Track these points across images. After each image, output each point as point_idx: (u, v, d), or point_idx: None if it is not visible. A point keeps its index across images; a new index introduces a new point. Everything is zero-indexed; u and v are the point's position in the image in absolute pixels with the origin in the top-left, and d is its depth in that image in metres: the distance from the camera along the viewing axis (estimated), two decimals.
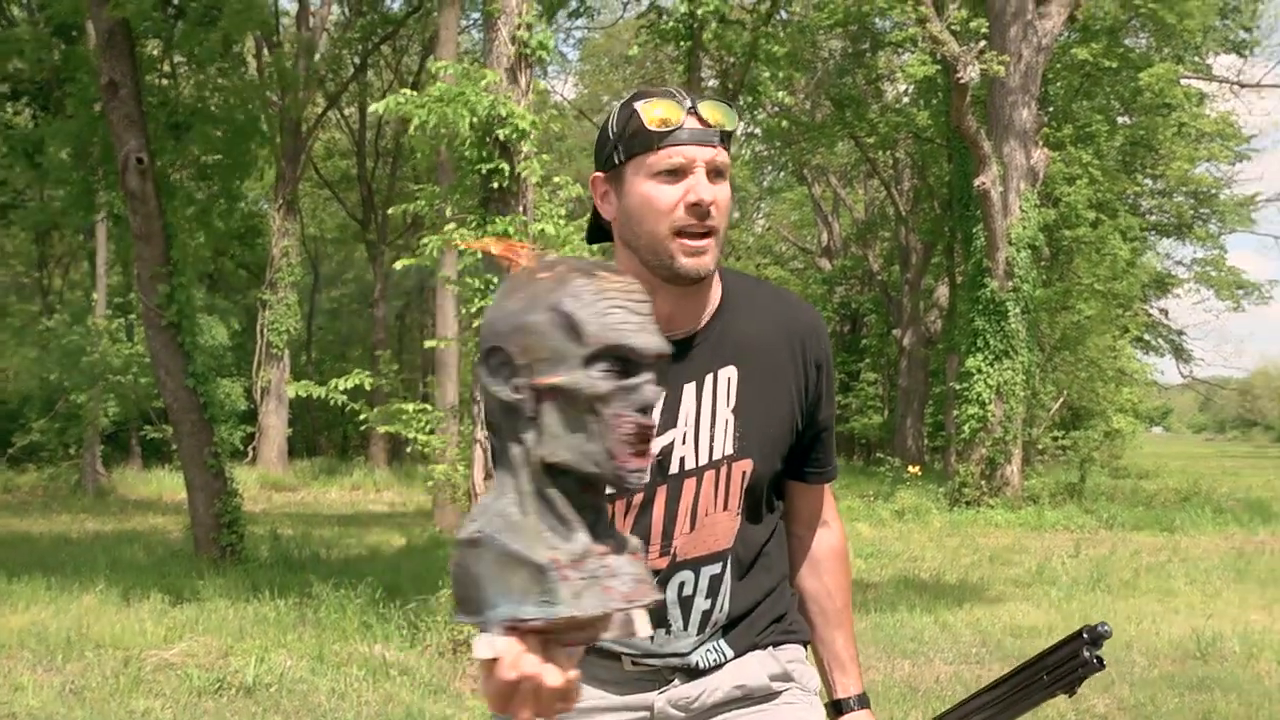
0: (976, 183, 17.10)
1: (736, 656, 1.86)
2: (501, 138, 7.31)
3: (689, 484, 1.79)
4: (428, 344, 11.10)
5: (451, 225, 7.62)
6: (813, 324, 1.90)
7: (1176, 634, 7.80)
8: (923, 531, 14.89)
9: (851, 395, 34.68)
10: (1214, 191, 33.35)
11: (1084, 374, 24.36)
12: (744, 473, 1.81)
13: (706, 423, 1.80)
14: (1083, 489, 18.45)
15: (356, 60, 29.99)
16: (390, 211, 15.26)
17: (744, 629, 1.87)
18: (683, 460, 1.79)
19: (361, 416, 9.89)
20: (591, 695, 1.80)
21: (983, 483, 17.49)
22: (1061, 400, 23.88)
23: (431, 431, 8.78)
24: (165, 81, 15.08)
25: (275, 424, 25.06)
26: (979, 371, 17.63)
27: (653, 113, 1.72)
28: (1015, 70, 17.56)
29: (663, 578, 1.79)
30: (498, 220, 7.32)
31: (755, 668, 1.88)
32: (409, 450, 20.72)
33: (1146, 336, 35.56)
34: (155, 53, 14.30)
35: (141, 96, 11.29)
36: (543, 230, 7.54)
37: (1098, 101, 24.58)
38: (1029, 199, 17.73)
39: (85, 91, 14.10)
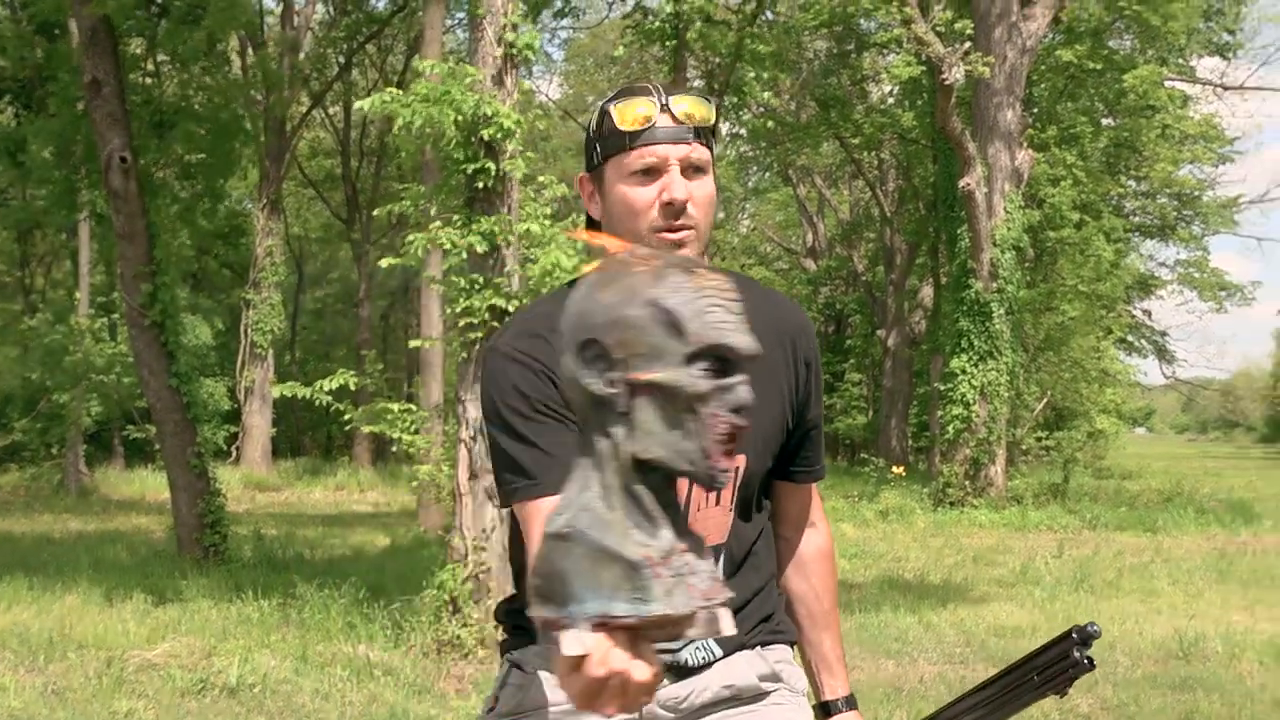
0: (961, 184, 17.13)
1: (724, 656, 1.85)
2: (486, 137, 7.29)
3: (682, 478, 1.78)
4: (412, 344, 11.06)
5: (436, 224, 7.59)
6: (802, 323, 1.92)
7: (1159, 634, 7.83)
8: (907, 532, 14.91)
9: (836, 396, 34.66)
10: (1197, 193, 33.52)
11: (1068, 375, 24.40)
12: (737, 469, 1.81)
13: None
14: (1066, 489, 18.46)
15: (341, 59, 29.94)
16: (375, 211, 15.20)
17: None
18: None
19: (346, 416, 9.85)
20: None
21: (967, 483, 17.51)
22: (1045, 401, 23.92)
23: (416, 431, 8.76)
24: (149, 80, 15.03)
25: (259, 424, 24.98)
26: (963, 372, 17.67)
27: (625, 113, 1.73)
28: (1000, 71, 17.60)
29: None
30: (482, 220, 7.30)
31: (744, 667, 1.87)
32: (393, 450, 20.64)
33: (1130, 337, 35.75)
34: (138, 51, 14.25)
35: (125, 95, 11.24)
36: (528, 230, 7.52)
37: (1082, 103, 24.68)
38: (1013, 200, 17.78)
39: (68, 90, 14.02)
